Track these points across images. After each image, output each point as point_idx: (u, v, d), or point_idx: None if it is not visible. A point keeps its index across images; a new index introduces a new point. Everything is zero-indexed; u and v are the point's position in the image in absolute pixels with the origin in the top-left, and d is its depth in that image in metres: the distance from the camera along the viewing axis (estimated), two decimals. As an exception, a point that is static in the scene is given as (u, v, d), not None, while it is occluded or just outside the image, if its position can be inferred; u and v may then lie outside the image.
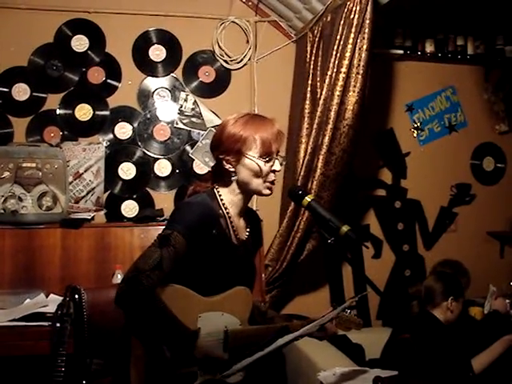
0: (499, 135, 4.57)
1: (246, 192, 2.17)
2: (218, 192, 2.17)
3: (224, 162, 2.13)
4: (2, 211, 3.34)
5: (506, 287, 3.88)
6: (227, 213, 2.16)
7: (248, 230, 2.26)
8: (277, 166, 2.14)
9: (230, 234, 2.16)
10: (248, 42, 4.02)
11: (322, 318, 2.15)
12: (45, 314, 2.97)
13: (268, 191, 2.15)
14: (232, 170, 2.13)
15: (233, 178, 2.15)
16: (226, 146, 2.12)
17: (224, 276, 2.13)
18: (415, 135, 4.39)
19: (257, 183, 2.12)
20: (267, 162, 2.10)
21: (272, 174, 2.13)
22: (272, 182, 2.14)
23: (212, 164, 3.89)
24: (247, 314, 2.19)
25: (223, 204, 2.16)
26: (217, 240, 2.09)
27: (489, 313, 3.57)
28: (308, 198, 2.16)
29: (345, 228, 2.06)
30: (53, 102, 3.81)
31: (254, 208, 3.85)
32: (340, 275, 4.21)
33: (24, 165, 3.40)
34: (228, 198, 2.17)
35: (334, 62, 3.37)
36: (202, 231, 2.05)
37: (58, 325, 2.74)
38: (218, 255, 2.09)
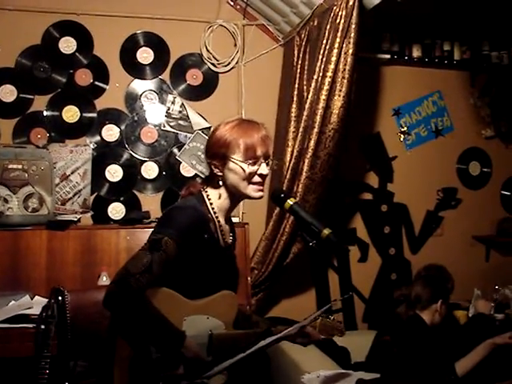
0: (485, 140, 4.61)
1: (236, 196, 2.19)
2: (208, 196, 2.19)
3: (212, 167, 2.16)
4: (-12, 213, 3.34)
5: (493, 290, 3.89)
6: (216, 216, 2.18)
7: (231, 234, 2.30)
8: (263, 170, 2.15)
9: (218, 237, 2.18)
10: (236, 45, 4.04)
11: (303, 321, 2.17)
12: (29, 316, 2.95)
13: (258, 193, 2.16)
14: (220, 174, 2.15)
15: (221, 183, 2.16)
16: (213, 151, 2.15)
17: (211, 279, 2.14)
18: (402, 139, 4.41)
19: (244, 186, 2.13)
20: (252, 165, 2.12)
21: (257, 176, 2.14)
22: (259, 184, 2.15)
23: (199, 166, 3.93)
24: (232, 317, 2.20)
25: (212, 208, 2.18)
26: (207, 244, 2.11)
27: (473, 316, 3.60)
28: (290, 201, 2.18)
29: (326, 231, 2.07)
30: (40, 103, 3.80)
31: (241, 211, 3.88)
32: (326, 278, 4.22)
33: (10, 166, 3.38)
34: (217, 202, 2.19)
35: (320, 66, 3.39)
36: (194, 236, 2.06)
37: (43, 327, 2.73)
38: (207, 259, 2.11)
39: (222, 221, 2.21)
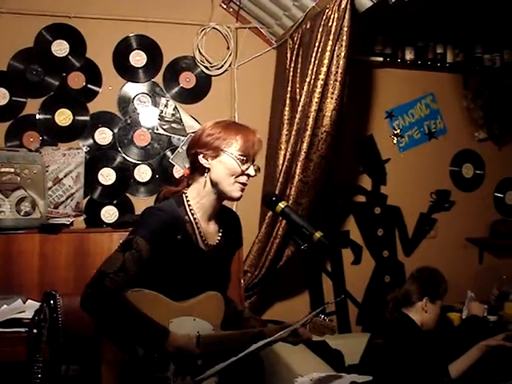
0: (478, 142, 4.62)
1: (216, 193, 2.17)
2: (187, 197, 2.18)
3: (200, 157, 2.14)
4: (-20, 216, 3.32)
5: (496, 285, 3.89)
6: (194, 218, 2.16)
7: (220, 234, 2.26)
8: (251, 171, 2.15)
9: (196, 239, 2.17)
10: (229, 48, 4.03)
11: (295, 324, 2.16)
12: (21, 320, 2.94)
13: (238, 193, 2.15)
14: (207, 165, 2.13)
15: (205, 175, 2.15)
16: (204, 143, 2.13)
17: (193, 281, 2.14)
18: (395, 142, 4.42)
19: (228, 183, 2.12)
20: (243, 163, 2.12)
21: (245, 177, 2.14)
22: (243, 184, 2.15)
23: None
24: (220, 319, 2.20)
25: (191, 209, 2.17)
26: (182, 245, 2.10)
27: (466, 318, 3.60)
28: (281, 205, 2.18)
29: (318, 234, 2.08)
30: (32, 106, 3.79)
31: (234, 214, 3.86)
32: (320, 281, 4.21)
33: (2, 170, 3.37)
34: (196, 201, 2.18)
35: (313, 68, 3.39)
36: (166, 236, 2.06)
37: (35, 331, 2.72)
38: (183, 261, 2.11)
39: (203, 222, 2.19)
